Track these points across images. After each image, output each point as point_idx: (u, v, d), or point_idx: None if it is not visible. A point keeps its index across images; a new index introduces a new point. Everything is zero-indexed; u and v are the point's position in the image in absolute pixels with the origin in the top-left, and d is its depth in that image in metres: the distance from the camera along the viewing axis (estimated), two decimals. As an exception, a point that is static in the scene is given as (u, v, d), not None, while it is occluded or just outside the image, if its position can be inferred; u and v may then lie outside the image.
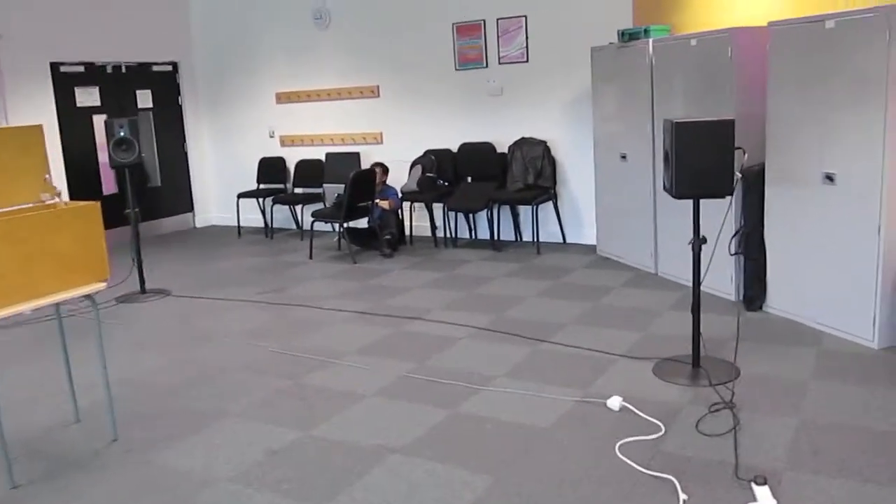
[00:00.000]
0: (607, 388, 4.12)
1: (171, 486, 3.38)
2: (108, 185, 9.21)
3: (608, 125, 6.75)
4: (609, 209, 6.91)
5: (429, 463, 3.43)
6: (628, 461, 3.33)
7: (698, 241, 4.08)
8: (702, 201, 4.06)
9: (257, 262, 7.89)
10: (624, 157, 6.53)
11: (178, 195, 10.13)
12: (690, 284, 4.30)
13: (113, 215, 8.51)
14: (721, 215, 5.07)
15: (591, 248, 7.37)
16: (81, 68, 8.81)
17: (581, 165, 7.50)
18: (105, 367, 3.89)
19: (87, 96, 8.90)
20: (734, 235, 5.26)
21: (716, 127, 3.89)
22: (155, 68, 9.64)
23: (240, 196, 9.36)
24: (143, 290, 6.81)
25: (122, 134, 6.43)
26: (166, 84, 9.80)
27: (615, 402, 3.87)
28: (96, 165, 9.00)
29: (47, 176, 3.93)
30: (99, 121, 8.70)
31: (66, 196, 8.54)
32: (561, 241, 7.79)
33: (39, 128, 3.92)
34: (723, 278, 5.51)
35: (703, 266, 4.14)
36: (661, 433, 3.57)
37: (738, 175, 4.08)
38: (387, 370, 4.60)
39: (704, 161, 3.87)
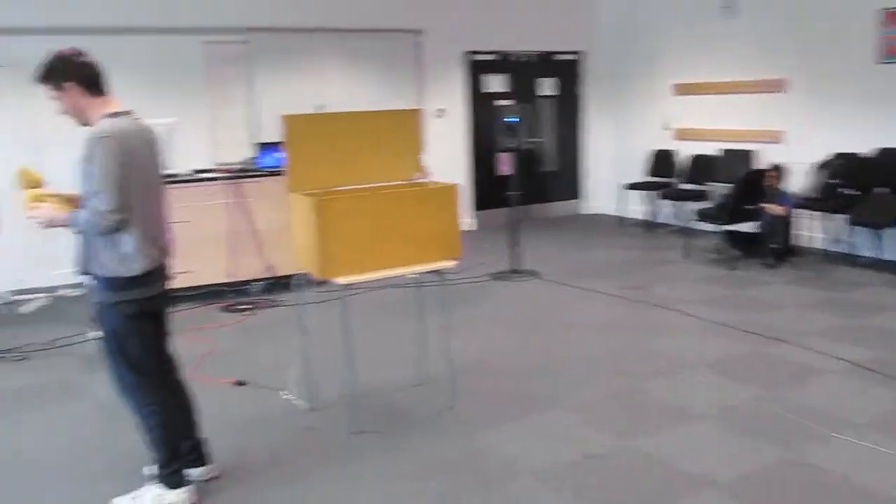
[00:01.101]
0: None
1: (483, 467, 3.47)
2: (504, 168, 9.76)
3: None
4: None
5: (748, 507, 3.05)
6: None
7: None
8: None
9: (631, 256, 7.76)
10: None
11: (568, 181, 10.40)
12: None
13: (504, 196, 9.04)
14: None
15: None
16: (492, 57, 9.43)
17: None
18: (449, 340, 4.11)
19: (495, 83, 9.51)
20: None
21: None
22: (559, 58, 9.94)
23: (626, 187, 9.28)
24: (515, 271, 7.11)
25: (510, 119, 6.73)
26: (569, 73, 10.07)
27: None
28: (495, 148, 9.59)
29: (420, 156, 4.25)
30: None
31: (465, 175, 9.27)
32: None
33: (417, 111, 4.26)
34: None
35: None
36: None
37: None
38: (731, 391, 4.19)
39: None
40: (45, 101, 3.04)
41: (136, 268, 2.98)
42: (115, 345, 3.06)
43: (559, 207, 10.36)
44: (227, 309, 6.28)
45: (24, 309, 6.50)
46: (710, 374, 4.46)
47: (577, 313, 5.81)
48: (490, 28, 9.27)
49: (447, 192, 3.97)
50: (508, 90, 9.56)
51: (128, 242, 2.95)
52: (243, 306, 6.30)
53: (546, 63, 9.87)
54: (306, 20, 8.20)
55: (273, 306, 6.31)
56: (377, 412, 4.12)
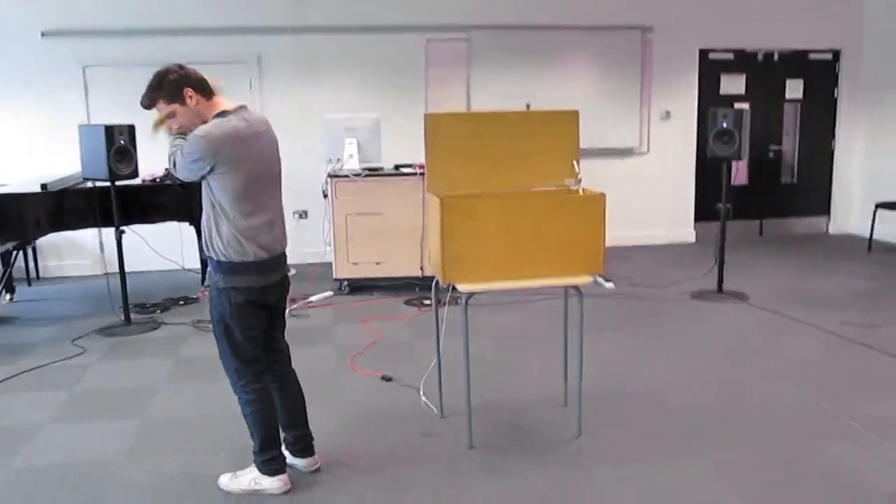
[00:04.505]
0: None
1: (584, 507, 3.15)
2: (740, 177, 8.96)
3: None
4: None
5: None
6: None
7: None
8: None
9: (869, 286, 6.72)
10: None
11: (814, 196, 9.28)
12: None
13: (741, 208, 8.42)
14: None
15: None
16: (730, 55, 8.65)
17: None
18: (581, 360, 3.77)
19: (733, 84, 8.72)
20: None
21: None
22: (811, 56, 8.87)
23: (878, 206, 8.09)
24: (719, 291, 6.46)
25: (724, 125, 6.10)
26: (822, 74, 8.95)
27: None
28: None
29: (574, 162, 3.95)
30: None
31: (688, 183, 8.63)
32: None
33: (574, 113, 3.95)
34: None
35: None
36: None
37: None
38: (935, 471, 3.42)
39: None
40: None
41: (246, 254, 3.04)
42: (221, 329, 3.14)
43: (801, 224, 9.30)
44: (410, 302, 6.35)
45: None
46: (910, 442, 3.69)
47: (773, 349, 5.12)
48: (729, 23, 8.50)
49: (592, 202, 3.64)
50: (748, 92, 8.73)
51: (236, 230, 3.02)
52: (426, 301, 6.33)
53: (796, 62, 8.85)
54: (528, 17, 8.07)
55: (456, 304, 6.26)
56: (503, 428, 3.91)
